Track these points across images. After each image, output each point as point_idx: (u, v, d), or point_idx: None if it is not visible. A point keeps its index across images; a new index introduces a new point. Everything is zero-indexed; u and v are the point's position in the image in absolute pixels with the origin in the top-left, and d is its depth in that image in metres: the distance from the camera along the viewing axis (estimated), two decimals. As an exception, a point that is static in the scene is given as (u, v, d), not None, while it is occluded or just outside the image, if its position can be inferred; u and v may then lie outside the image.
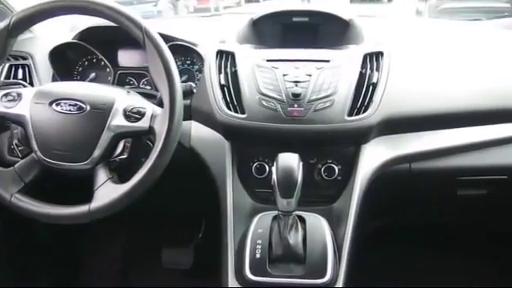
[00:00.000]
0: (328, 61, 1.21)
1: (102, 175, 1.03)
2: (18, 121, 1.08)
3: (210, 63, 1.26)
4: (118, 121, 1.04)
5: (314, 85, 1.15)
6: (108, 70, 1.42)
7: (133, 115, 1.05)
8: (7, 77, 1.37)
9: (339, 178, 1.15)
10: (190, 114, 1.24)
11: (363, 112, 1.13)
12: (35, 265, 1.74)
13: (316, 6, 1.41)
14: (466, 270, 1.75)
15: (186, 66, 1.40)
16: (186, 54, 1.39)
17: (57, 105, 1.05)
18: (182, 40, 1.36)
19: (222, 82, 1.20)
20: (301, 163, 0.96)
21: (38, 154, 1.05)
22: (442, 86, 1.27)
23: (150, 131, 1.03)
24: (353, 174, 1.14)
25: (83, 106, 1.04)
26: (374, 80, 1.17)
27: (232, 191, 1.15)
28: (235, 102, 1.17)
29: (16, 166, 1.08)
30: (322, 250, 1.02)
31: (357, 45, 1.34)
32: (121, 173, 1.08)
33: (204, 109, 1.21)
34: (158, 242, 1.90)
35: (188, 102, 1.24)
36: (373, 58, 1.23)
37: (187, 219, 1.82)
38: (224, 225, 1.12)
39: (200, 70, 1.37)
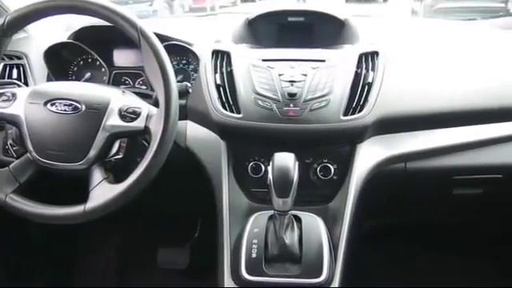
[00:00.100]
0: (323, 60, 1.22)
1: (97, 175, 1.03)
2: (13, 121, 1.07)
3: (206, 63, 1.26)
4: (113, 121, 1.04)
5: (309, 84, 1.15)
6: (103, 69, 1.41)
7: (128, 115, 1.04)
8: (2, 76, 1.36)
9: (335, 177, 1.15)
10: (185, 113, 1.24)
11: (358, 112, 1.14)
12: (30, 265, 1.74)
13: (311, 6, 1.42)
14: (463, 269, 1.76)
15: (181, 65, 1.40)
16: (182, 54, 1.39)
17: (52, 105, 1.05)
18: (177, 40, 1.36)
19: (218, 81, 1.20)
20: (296, 163, 0.96)
21: (33, 154, 1.04)
22: (437, 85, 1.28)
23: (146, 131, 1.03)
24: (348, 173, 1.14)
25: (78, 105, 1.04)
26: (370, 80, 1.18)
27: (228, 191, 1.15)
28: (231, 102, 1.17)
29: (11, 166, 1.07)
30: (318, 249, 1.02)
31: (352, 44, 1.34)
32: (116, 173, 1.08)
33: (200, 108, 1.20)
34: (153, 242, 1.90)
35: (184, 101, 1.24)
36: (368, 58, 1.23)
37: (183, 219, 1.82)
38: (220, 224, 1.12)
39: (195, 70, 1.37)
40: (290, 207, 0.97)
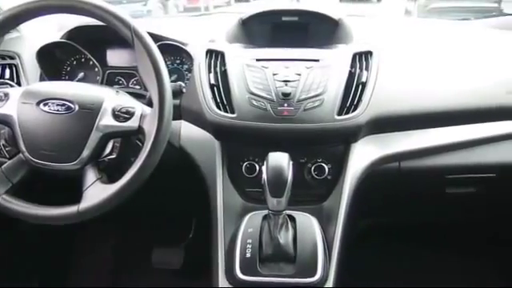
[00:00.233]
0: (317, 60, 1.22)
1: (90, 175, 1.02)
2: (5, 121, 1.06)
3: (200, 63, 1.25)
4: (106, 121, 1.03)
5: (303, 84, 1.15)
6: (97, 69, 1.41)
7: (122, 115, 1.04)
8: (-6, 76, 1.35)
9: (329, 177, 1.15)
10: (179, 113, 1.24)
11: (352, 111, 1.14)
12: (25, 265, 1.73)
13: (305, 6, 1.42)
14: (458, 268, 1.77)
15: (175, 65, 1.40)
16: (176, 54, 1.38)
17: (44, 105, 1.04)
18: (171, 39, 1.36)
19: (212, 81, 1.20)
20: (291, 162, 0.96)
21: (26, 154, 1.04)
22: (431, 85, 1.28)
23: (140, 131, 1.03)
24: (342, 172, 1.14)
25: (71, 105, 1.03)
26: (363, 79, 1.18)
27: (222, 191, 1.15)
28: (225, 102, 1.17)
29: (3, 166, 1.06)
30: (312, 248, 1.02)
31: (346, 44, 1.35)
32: (110, 173, 1.08)
33: (194, 108, 1.20)
34: (148, 242, 1.90)
35: (178, 101, 1.23)
36: (362, 58, 1.23)
37: (177, 219, 1.82)
38: (214, 224, 1.12)
39: (189, 70, 1.36)
40: (285, 207, 0.97)
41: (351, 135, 1.15)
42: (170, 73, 1.31)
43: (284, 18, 1.40)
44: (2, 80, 1.33)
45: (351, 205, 1.12)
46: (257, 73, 1.18)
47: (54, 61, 1.42)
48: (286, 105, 1.13)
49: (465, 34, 1.67)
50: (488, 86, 1.29)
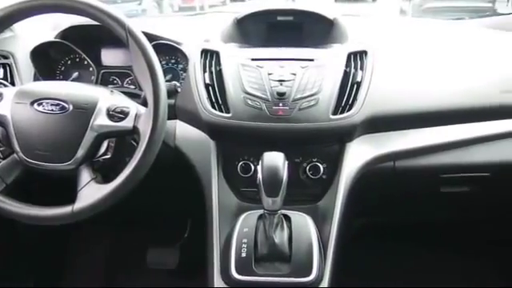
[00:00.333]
0: (312, 60, 1.22)
1: (85, 175, 1.02)
2: None
3: (195, 62, 1.25)
4: (101, 120, 1.03)
5: (298, 84, 1.15)
6: (91, 69, 1.40)
7: (116, 115, 1.04)
8: (-12, 76, 1.34)
9: (324, 176, 1.15)
10: (174, 113, 1.23)
11: (347, 111, 1.14)
12: (20, 265, 1.72)
13: (300, 5, 1.42)
14: (454, 267, 1.77)
15: (170, 65, 1.39)
16: (171, 53, 1.38)
17: (38, 104, 1.03)
18: (166, 39, 1.35)
19: (207, 81, 1.20)
20: (286, 162, 0.96)
21: (20, 154, 1.03)
22: (426, 84, 1.28)
23: (134, 131, 1.03)
24: (337, 172, 1.14)
25: (66, 105, 1.03)
26: (358, 79, 1.18)
27: (217, 190, 1.15)
28: (220, 101, 1.17)
29: None
30: (308, 248, 1.02)
31: (341, 44, 1.35)
32: (105, 173, 1.07)
33: (189, 108, 1.20)
34: (143, 242, 1.89)
35: (172, 101, 1.23)
36: (357, 57, 1.23)
37: (173, 219, 1.81)
38: (209, 224, 1.12)
39: (184, 69, 1.36)
40: (280, 206, 0.97)
41: (346, 135, 1.16)
42: (165, 72, 1.31)
43: (279, 18, 1.40)
44: (-5, 80, 1.32)
45: (346, 204, 1.12)
46: (252, 72, 1.18)
47: (48, 60, 1.41)
48: (281, 104, 1.13)
49: (459, 33, 1.67)
50: (482, 85, 1.29)
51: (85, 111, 1.03)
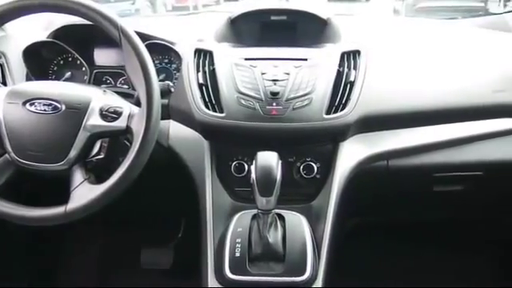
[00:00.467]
0: (306, 59, 1.22)
1: (78, 176, 1.02)
2: None
3: (188, 62, 1.25)
4: (94, 120, 1.03)
5: (292, 83, 1.15)
6: (84, 68, 1.39)
7: (109, 115, 1.03)
8: (-21, 76, 1.34)
9: (318, 175, 1.15)
10: (168, 113, 1.23)
11: (341, 110, 1.14)
12: (13, 265, 1.71)
13: (294, 5, 1.42)
14: (448, 266, 1.78)
15: (163, 64, 1.39)
16: (164, 53, 1.38)
17: (31, 105, 1.03)
18: (159, 38, 1.35)
19: (200, 80, 1.20)
20: (280, 162, 0.96)
21: (12, 155, 1.03)
22: (419, 84, 1.29)
23: (128, 131, 1.02)
24: (331, 171, 1.14)
25: (58, 105, 1.03)
26: (352, 78, 1.18)
27: (211, 190, 1.15)
28: (213, 101, 1.16)
29: None
30: (302, 247, 1.02)
31: (334, 43, 1.35)
32: (98, 173, 1.07)
33: (182, 108, 1.20)
34: (137, 242, 1.89)
35: (166, 101, 1.23)
36: (350, 57, 1.24)
37: (166, 219, 1.81)
38: (203, 224, 1.12)
39: (178, 69, 1.36)
40: (274, 206, 0.97)
41: (340, 134, 1.16)
42: (158, 72, 1.31)
43: (273, 18, 1.40)
44: (-13, 80, 1.32)
45: (340, 204, 1.13)
46: (245, 72, 1.18)
47: (40, 60, 1.40)
48: (274, 104, 1.13)
49: (452, 33, 1.68)
50: (475, 84, 1.30)
51: (77, 111, 1.03)
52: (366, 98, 1.16)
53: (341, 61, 1.22)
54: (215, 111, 1.15)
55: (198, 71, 1.22)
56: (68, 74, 1.39)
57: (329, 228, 1.09)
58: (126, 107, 1.05)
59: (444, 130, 1.25)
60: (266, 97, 1.13)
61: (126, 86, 1.40)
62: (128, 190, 0.99)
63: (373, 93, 1.18)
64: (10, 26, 1.24)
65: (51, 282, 1.85)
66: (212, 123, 1.14)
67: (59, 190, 1.01)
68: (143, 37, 1.09)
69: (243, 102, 1.14)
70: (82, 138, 1.02)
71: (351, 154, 1.17)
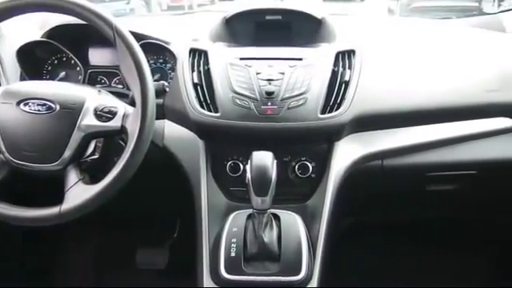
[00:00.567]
0: (301, 59, 1.22)
1: (72, 176, 1.01)
2: None
3: (183, 61, 1.25)
4: (88, 120, 1.02)
5: (287, 83, 1.15)
6: (78, 68, 1.39)
7: (104, 115, 1.03)
8: (-27, 76, 1.33)
9: (313, 175, 1.15)
10: (163, 112, 1.23)
11: (336, 110, 1.14)
12: (9, 265, 1.70)
13: (289, 5, 1.42)
14: (443, 265, 1.78)
15: (158, 64, 1.39)
16: (159, 53, 1.37)
17: (25, 105, 1.02)
18: (154, 38, 1.35)
19: (195, 80, 1.20)
20: (275, 161, 0.96)
21: (6, 155, 1.02)
22: (413, 83, 1.29)
23: (122, 131, 1.02)
24: (326, 171, 1.15)
25: (52, 105, 1.02)
26: (347, 78, 1.18)
27: (206, 190, 1.15)
28: (208, 101, 1.16)
29: None
30: (297, 247, 1.02)
31: (329, 43, 1.35)
32: (93, 173, 1.07)
33: (177, 107, 1.20)
34: (132, 242, 1.88)
35: (161, 100, 1.23)
36: (345, 56, 1.24)
37: (162, 219, 1.81)
38: (199, 224, 1.12)
39: (173, 69, 1.36)
40: (269, 206, 0.97)
41: (334, 134, 1.16)
42: (153, 72, 1.31)
43: (268, 17, 1.40)
44: (-20, 80, 1.31)
45: (335, 203, 1.13)
46: (240, 72, 1.18)
47: (34, 60, 1.39)
48: (269, 104, 1.13)
49: (446, 33, 1.68)
50: (469, 84, 1.31)
51: (72, 111, 1.02)
52: (361, 98, 1.17)
53: (336, 60, 1.22)
54: (210, 111, 1.15)
55: (192, 71, 1.22)
56: (62, 74, 1.38)
57: (324, 227, 1.10)
58: (121, 107, 1.04)
59: (438, 130, 1.25)
60: (261, 96, 1.13)
61: (120, 86, 1.39)
62: (123, 190, 0.99)
63: (367, 92, 1.19)
64: (4, 25, 1.23)
65: (46, 282, 1.84)
66: (207, 123, 1.14)
67: (54, 190, 1.01)
68: (138, 36, 1.08)
69: (238, 101, 1.14)
70: (76, 138, 1.01)
71: (346, 153, 1.17)
